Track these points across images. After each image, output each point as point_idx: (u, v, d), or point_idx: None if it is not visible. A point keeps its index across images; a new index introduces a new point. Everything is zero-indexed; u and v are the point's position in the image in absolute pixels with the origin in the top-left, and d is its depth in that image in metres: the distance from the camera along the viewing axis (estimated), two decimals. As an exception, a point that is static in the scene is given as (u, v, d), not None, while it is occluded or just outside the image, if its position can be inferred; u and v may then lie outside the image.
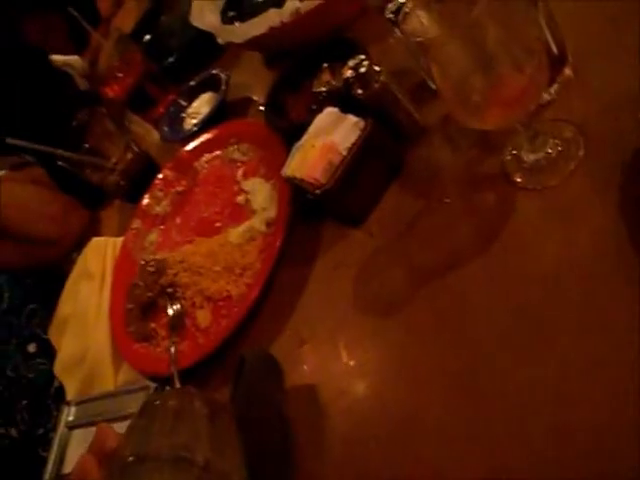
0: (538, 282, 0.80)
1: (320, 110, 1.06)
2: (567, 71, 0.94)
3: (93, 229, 1.69)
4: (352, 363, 0.94)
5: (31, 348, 1.51)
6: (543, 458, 0.69)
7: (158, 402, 0.74)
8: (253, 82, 1.52)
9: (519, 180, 0.90)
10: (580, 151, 0.86)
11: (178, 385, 1.07)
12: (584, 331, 0.73)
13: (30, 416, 1.47)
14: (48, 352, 1.47)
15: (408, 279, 0.95)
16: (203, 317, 1.16)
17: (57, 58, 1.87)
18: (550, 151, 0.89)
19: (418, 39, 0.81)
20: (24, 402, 1.47)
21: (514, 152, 0.93)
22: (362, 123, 1.01)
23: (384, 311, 0.96)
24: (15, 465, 1.44)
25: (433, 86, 1.07)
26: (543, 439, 0.70)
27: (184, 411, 0.72)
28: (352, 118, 1.02)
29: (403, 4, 0.93)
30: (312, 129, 1.04)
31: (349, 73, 1.02)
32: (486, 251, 0.88)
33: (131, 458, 0.68)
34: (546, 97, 0.93)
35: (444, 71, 0.80)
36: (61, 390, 1.38)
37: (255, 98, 1.48)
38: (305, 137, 1.04)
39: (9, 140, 1.40)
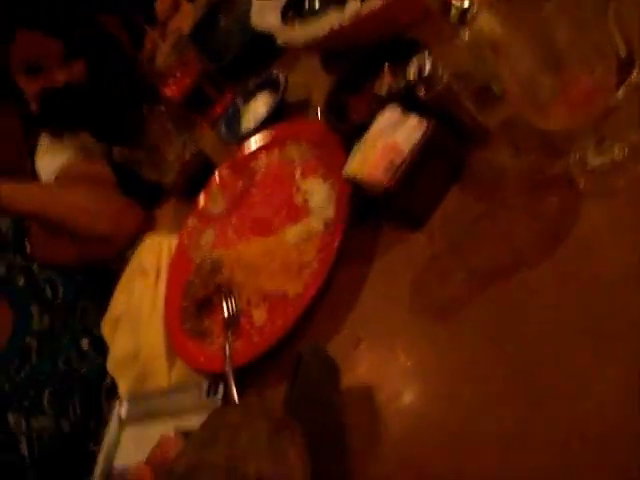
0: (604, 290, 0.78)
1: (381, 111, 1.06)
2: (635, 75, 0.92)
3: (148, 226, 1.71)
4: (409, 364, 0.93)
5: (84, 344, 1.54)
6: (613, 463, 0.67)
7: (220, 416, 0.75)
8: (311, 83, 1.51)
9: (584, 185, 0.89)
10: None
11: (232, 382, 1.07)
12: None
13: (82, 410, 1.49)
14: (101, 348, 1.49)
15: (468, 283, 0.94)
16: (259, 316, 1.16)
17: None
18: (616, 155, 0.87)
19: (486, 39, 0.80)
20: (76, 396, 1.49)
21: (579, 156, 0.91)
22: (425, 123, 1.00)
23: (442, 314, 0.95)
24: (66, 458, 1.46)
25: (496, 90, 1.06)
26: (607, 442, 0.68)
27: (245, 425, 0.73)
28: (415, 118, 1.01)
29: (468, 8, 0.93)
30: (374, 128, 1.04)
31: (413, 73, 1.01)
32: (549, 257, 0.86)
33: (183, 468, 0.68)
34: (613, 101, 0.92)
35: (512, 69, 0.79)
36: (114, 387, 1.39)
37: (313, 99, 1.47)
38: (366, 136, 1.04)
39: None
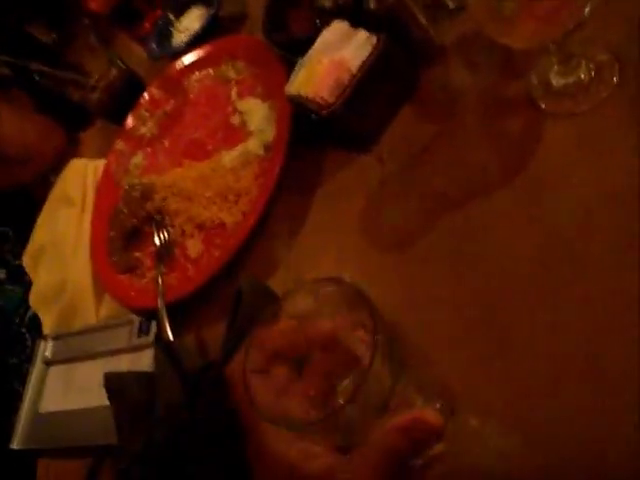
0: (567, 215, 0.74)
1: (326, 25, 0.97)
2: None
3: (73, 151, 1.61)
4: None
5: (1, 274, 1.44)
6: (571, 406, 0.64)
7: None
8: (248, -4, 1.41)
9: (545, 106, 0.83)
10: (614, 78, 0.79)
11: (165, 320, 1.00)
12: (617, 268, 0.68)
13: (1, 343, 1.41)
14: (18, 279, 1.40)
15: (422, 209, 0.88)
16: (193, 247, 1.08)
17: None
18: (582, 76, 0.81)
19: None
20: None
21: (541, 76, 0.85)
22: (374, 39, 0.92)
23: (394, 243, 0.89)
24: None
25: (451, 4, 0.99)
26: (569, 386, 0.65)
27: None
28: (364, 33, 0.93)
29: None
30: (318, 44, 0.96)
31: (361, -16, 0.93)
32: (509, 181, 0.81)
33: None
34: (581, 17, 0.85)
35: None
36: (35, 320, 1.31)
37: (251, 13, 1.37)
38: (311, 52, 0.96)
39: None
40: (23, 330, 1.40)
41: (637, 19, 0.80)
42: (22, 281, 1.38)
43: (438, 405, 0.65)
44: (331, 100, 0.90)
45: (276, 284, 0.93)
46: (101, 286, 1.18)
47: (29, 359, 1.25)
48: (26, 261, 1.41)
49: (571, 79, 0.82)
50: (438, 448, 0.62)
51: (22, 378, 1.24)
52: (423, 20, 0.96)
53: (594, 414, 0.62)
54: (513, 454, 0.65)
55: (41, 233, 1.40)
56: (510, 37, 0.77)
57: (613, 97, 0.78)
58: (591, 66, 0.81)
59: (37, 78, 1.38)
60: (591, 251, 0.70)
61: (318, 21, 1.03)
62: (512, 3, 0.70)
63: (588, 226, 0.72)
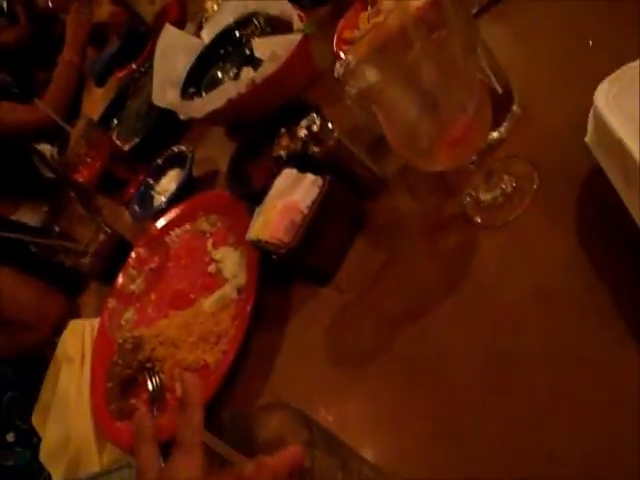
0: (507, 317, 0.81)
1: (280, 173, 1.08)
2: (515, 108, 0.96)
3: (73, 314, 1.68)
4: (330, 418, 0.93)
5: (10, 437, 1.51)
6: None
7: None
8: (217, 155, 1.54)
9: (479, 220, 0.92)
10: (534, 184, 0.89)
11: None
12: (554, 362, 0.74)
13: None
14: (26, 441, 1.46)
15: (379, 329, 0.96)
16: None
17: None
18: (505, 187, 0.91)
19: (361, 89, 0.82)
20: None
21: (472, 193, 0.95)
22: (320, 180, 1.02)
23: (358, 363, 0.96)
24: None
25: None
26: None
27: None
28: (310, 176, 1.03)
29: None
30: (272, 191, 1.06)
31: (303, 133, 1.03)
32: (453, 292, 0.89)
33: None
34: (497, 136, 0.96)
35: (390, 118, 0.82)
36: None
37: (220, 171, 1.49)
38: (266, 200, 1.06)
39: None
40: None
41: (552, 129, 0.90)
42: (30, 444, 1.43)
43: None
44: (287, 240, 0.99)
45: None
46: (102, 434, 1.24)
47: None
48: (35, 420, 1.46)
49: (497, 192, 0.91)
50: None
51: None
52: (364, 158, 1.06)
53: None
54: None
55: (46, 392, 1.46)
56: (431, 165, 0.87)
57: (535, 202, 0.87)
58: (512, 178, 0.91)
59: (33, 249, 1.48)
60: (529, 346, 0.77)
61: (276, 170, 1.14)
62: (426, 134, 0.80)
63: (525, 323, 0.79)
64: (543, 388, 0.73)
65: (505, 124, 0.96)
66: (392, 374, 0.90)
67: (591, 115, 0.77)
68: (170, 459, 0.68)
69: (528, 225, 0.86)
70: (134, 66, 2.18)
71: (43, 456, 1.36)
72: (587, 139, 0.77)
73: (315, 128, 1.02)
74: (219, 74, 1.57)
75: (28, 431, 1.46)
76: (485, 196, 0.93)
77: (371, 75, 0.84)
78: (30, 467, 1.47)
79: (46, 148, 2.00)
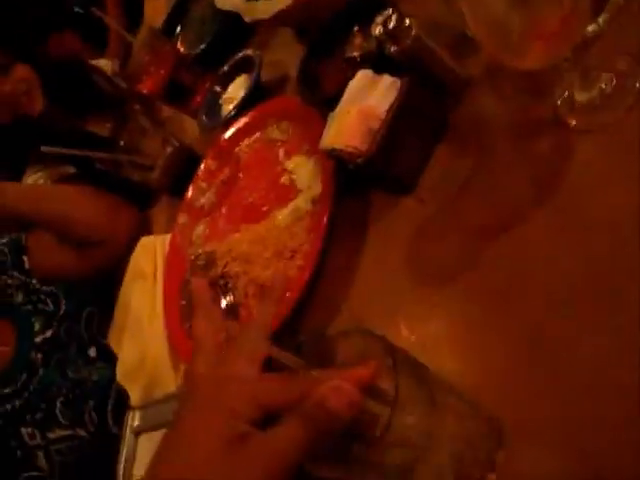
0: (606, 231, 0.74)
1: (354, 76, 1.00)
2: (616, -4, 0.86)
3: (145, 228, 1.66)
4: (413, 338, 0.88)
5: (92, 352, 1.52)
6: (621, 439, 0.63)
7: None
8: (287, 58, 1.45)
9: (574, 123, 0.83)
10: (637, 82, 0.79)
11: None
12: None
13: (99, 417, 1.47)
14: (108, 356, 1.47)
15: (466, 243, 0.89)
16: (257, 306, 1.11)
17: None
18: (604, 86, 0.81)
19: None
20: (91, 403, 1.47)
21: (565, 94, 0.86)
22: (399, 82, 0.95)
23: (443, 280, 0.90)
24: (87, 467, 1.44)
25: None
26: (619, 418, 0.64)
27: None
28: (388, 78, 0.96)
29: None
30: (346, 96, 0.99)
31: (378, 30, 0.95)
32: (547, 203, 0.81)
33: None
34: (594, 28, 0.86)
35: (475, 10, 0.73)
36: (121, 393, 1.36)
37: (290, 75, 1.41)
38: (340, 104, 0.99)
39: (44, 148, 1.38)
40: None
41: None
42: (111, 360, 1.43)
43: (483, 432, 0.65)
44: (364, 148, 0.93)
45: (336, 330, 0.95)
46: (177, 354, 1.22)
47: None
48: (111, 339, 1.47)
49: (594, 92, 0.82)
50: (490, 478, 0.62)
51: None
52: (446, 57, 0.98)
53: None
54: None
55: (120, 311, 1.46)
56: (522, 61, 0.78)
57: (639, 103, 0.78)
58: (612, 76, 0.82)
59: (98, 166, 1.45)
60: (630, 264, 0.70)
61: (350, 73, 1.06)
62: (519, 27, 0.71)
63: (620, 238, 0.72)
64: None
65: (604, 15, 0.86)
66: (480, 291, 0.83)
67: None
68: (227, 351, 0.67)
69: (631, 129, 0.77)
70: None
71: (120, 376, 1.36)
72: None
73: (391, 25, 0.93)
74: (286, -29, 1.48)
75: (108, 346, 1.46)
76: (581, 96, 0.83)
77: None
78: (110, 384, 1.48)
79: (103, 63, 1.94)
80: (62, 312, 1.53)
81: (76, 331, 1.54)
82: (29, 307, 1.51)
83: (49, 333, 1.50)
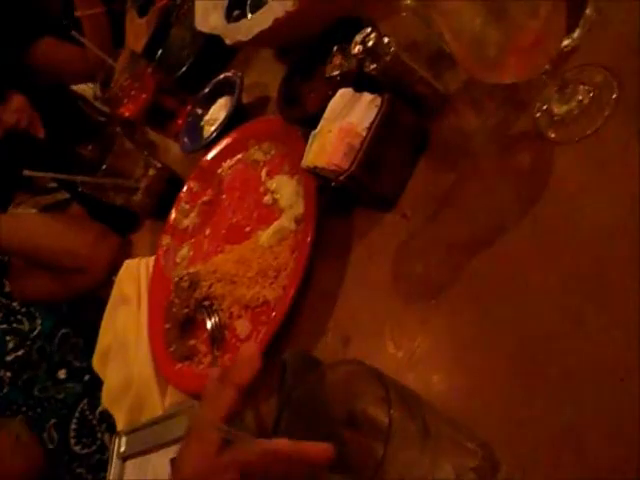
0: (589, 242, 0.74)
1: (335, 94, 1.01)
2: (589, 12, 0.87)
3: (128, 252, 1.65)
4: (400, 354, 0.88)
5: (61, 374, 1.52)
6: (616, 440, 0.63)
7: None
8: (267, 79, 1.46)
9: (553, 135, 0.84)
10: (613, 94, 0.80)
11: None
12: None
13: (59, 435, 1.47)
14: (78, 377, 1.46)
15: (450, 258, 0.89)
16: (242, 327, 1.11)
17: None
18: (581, 99, 0.82)
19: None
20: (52, 421, 1.47)
21: (544, 107, 0.86)
22: (379, 100, 0.95)
23: (428, 295, 0.89)
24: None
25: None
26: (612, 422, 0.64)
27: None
28: (368, 96, 0.96)
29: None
30: (327, 114, 0.99)
31: (358, 49, 0.96)
32: (529, 216, 0.81)
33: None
34: (570, 43, 0.87)
35: (452, 26, 0.74)
36: (106, 414, 1.36)
37: (271, 96, 1.42)
38: (321, 123, 0.99)
39: (26, 172, 1.38)
40: (94, 422, 1.45)
41: (631, 33, 0.81)
42: (82, 380, 1.43)
43: (477, 461, 0.64)
44: (345, 165, 0.93)
45: (322, 349, 0.97)
46: (163, 377, 1.21)
47: (101, 451, 1.29)
48: (95, 364, 1.46)
49: (572, 104, 0.83)
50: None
51: (91, 468, 1.29)
52: (425, 73, 0.98)
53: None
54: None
55: (105, 335, 1.45)
56: (499, 75, 0.78)
57: (616, 113, 0.79)
58: (588, 88, 0.82)
59: (81, 189, 1.45)
60: (616, 274, 0.70)
61: (331, 92, 1.07)
62: (495, 43, 0.72)
63: (610, 249, 0.72)
64: (626, 324, 0.66)
65: (578, 30, 0.87)
66: (465, 306, 0.84)
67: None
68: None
69: (609, 139, 0.78)
70: (175, -8, 2.10)
71: (106, 401, 1.36)
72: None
73: (370, 43, 0.94)
74: (265, -8, 1.48)
75: (81, 369, 1.46)
76: (559, 109, 0.84)
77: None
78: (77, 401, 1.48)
79: (82, 87, 1.95)
80: (37, 332, 1.54)
81: (48, 352, 1.54)
82: (4, 326, 1.52)
83: (21, 352, 1.50)
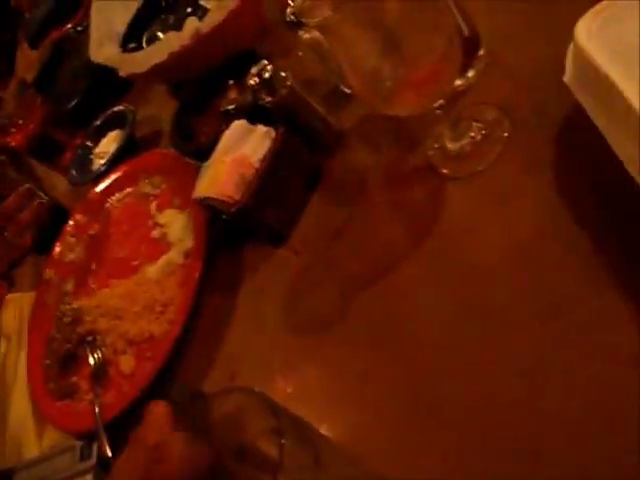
0: (482, 274, 0.75)
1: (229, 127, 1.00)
2: (482, 53, 0.89)
3: (9, 288, 1.57)
4: (289, 390, 0.86)
5: None
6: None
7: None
8: (161, 114, 1.44)
9: (446, 171, 0.86)
10: (505, 132, 0.83)
11: (104, 440, 0.98)
12: (538, 317, 0.68)
13: None
14: None
15: (340, 291, 0.88)
16: (126, 362, 1.06)
17: None
18: (474, 135, 0.84)
19: (319, 27, 0.75)
20: None
21: (437, 143, 0.88)
22: (273, 132, 0.95)
23: (318, 329, 0.89)
24: None
25: (347, 89, 1.01)
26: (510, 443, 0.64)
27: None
28: (262, 128, 0.96)
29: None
30: (220, 145, 0.98)
31: (254, 81, 0.95)
32: (419, 249, 0.82)
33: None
34: (464, 82, 0.89)
35: (349, 58, 0.74)
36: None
37: (164, 130, 1.39)
38: (214, 155, 0.97)
39: None
40: None
41: (522, 74, 0.84)
42: None
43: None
44: (237, 197, 0.92)
45: (211, 384, 0.94)
46: (41, 416, 1.15)
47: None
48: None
49: (465, 141, 0.85)
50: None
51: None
52: (320, 108, 0.98)
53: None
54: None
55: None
56: (395, 108, 0.79)
57: (507, 150, 0.81)
58: (481, 125, 0.84)
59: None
60: (510, 304, 0.71)
61: (224, 126, 1.05)
62: (390, 76, 0.72)
63: (500, 278, 0.73)
64: (521, 344, 0.68)
65: (472, 70, 0.90)
66: (356, 339, 0.83)
67: (570, 52, 0.71)
68: None
69: (499, 175, 0.80)
70: (70, 26, 2.05)
71: (-19, 438, 1.27)
72: (566, 79, 0.71)
73: (267, 75, 0.93)
74: (161, 27, 1.47)
75: None
76: (452, 145, 0.86)
77: (327, 11, 0.76)
78: None
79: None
80: None
81: None
82: None
83: None
